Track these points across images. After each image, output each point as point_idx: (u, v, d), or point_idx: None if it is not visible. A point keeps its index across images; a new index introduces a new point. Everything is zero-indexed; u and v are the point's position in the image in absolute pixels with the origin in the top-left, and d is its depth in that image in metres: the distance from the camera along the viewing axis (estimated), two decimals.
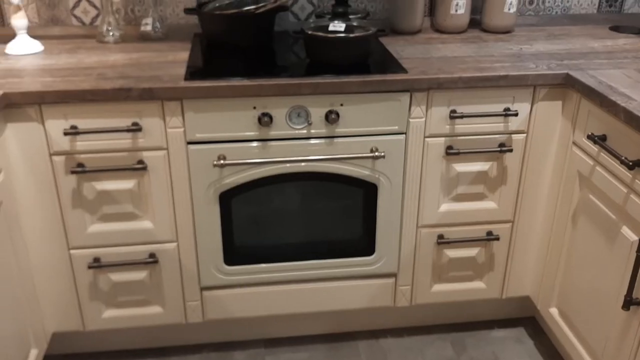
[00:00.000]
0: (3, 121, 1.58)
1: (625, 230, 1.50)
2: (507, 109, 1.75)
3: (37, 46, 1.88)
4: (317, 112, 1.70)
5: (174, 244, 1.80)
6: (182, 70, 1.71)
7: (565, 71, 1.71)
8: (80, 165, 1.66)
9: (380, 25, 1.83)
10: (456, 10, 2.08)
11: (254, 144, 1.72)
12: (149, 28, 2.01)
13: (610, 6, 2.37)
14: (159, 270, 1.82)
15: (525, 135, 1.80)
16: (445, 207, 1.87)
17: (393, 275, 1.94)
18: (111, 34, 1.97)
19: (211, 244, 1.82)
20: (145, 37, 2.02)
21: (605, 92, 1.55)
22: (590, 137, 1.60)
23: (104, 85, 1.59)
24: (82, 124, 1.62)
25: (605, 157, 1.56)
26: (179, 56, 1.84)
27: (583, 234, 1.70)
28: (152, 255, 1.80)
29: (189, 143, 1.69)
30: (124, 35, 2.00)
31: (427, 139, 1.77)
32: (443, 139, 1.77)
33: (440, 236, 1.89)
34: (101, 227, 1.75)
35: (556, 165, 1.82)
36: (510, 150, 1.79)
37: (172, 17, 2.18)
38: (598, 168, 1.60)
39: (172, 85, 1.61)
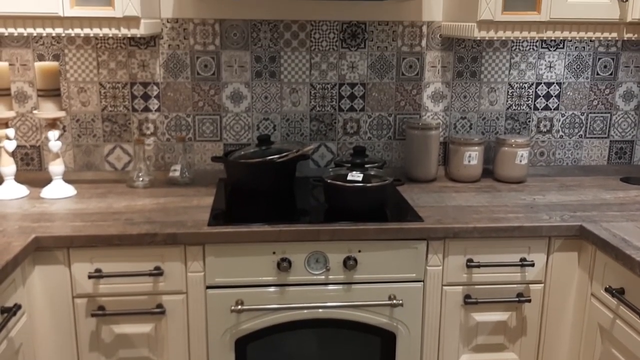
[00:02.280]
0: (32, 264, 1.63)
1: None
2: (524, 259, 1.77)
3: (70, 190, 1.98)
4: (336, 258, 1.74)
5: None
6: (205, 215, 1.78)
7: (579, 223, 1.75)
8: (100, 308, 1.68)
9: (396, 173, 1.92)
10: (469, 161, 2.17)
11: (272, 289, 1.74)
12: (177, 174, 2.12)
13: (619, 158, 2.46)
14: None
15: (542, 285, 1.80)
16: (465, 357, 1.83)
17: None
18: (141, 179, 2.08)
19: None
20: (172, 182, 2.13)
21: (619, 245, 1.57)
22: (608, 290, 1.60)
23: (131, 230, 1.65)
24: (107, 267, 1.67)
25: (625, 310, 1.55)
26: (204, 201, 1.93)
27: None
28: None
29: (208, 287, 1.72)
30: (153, 181, 2.11)
31: (444, 287, 1.78)
32: (461, 287, 1.78)
33: None
34: None
35: (576, 317, 1.80)
36: (529, 301, 1.78)
37: (199, 164, 2.30)
38: (618, 321, 1.58)
39: (195, 230, 1.67)
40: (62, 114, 1.95)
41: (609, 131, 2.43)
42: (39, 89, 1.92)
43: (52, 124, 1.95)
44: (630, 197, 2.04)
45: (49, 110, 1.93)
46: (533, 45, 2.31)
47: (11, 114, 1.94)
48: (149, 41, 2.19)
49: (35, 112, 1.95)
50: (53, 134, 1.94)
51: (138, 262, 1.68)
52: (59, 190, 1.96)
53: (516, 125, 2.39)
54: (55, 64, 1.93)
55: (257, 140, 2.10)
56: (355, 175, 1.85)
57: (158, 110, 2.25)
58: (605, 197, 2.03)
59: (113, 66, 2.20)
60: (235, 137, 2.30)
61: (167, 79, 2.23)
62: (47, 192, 1.96)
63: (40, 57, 2.16)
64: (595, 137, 2.43)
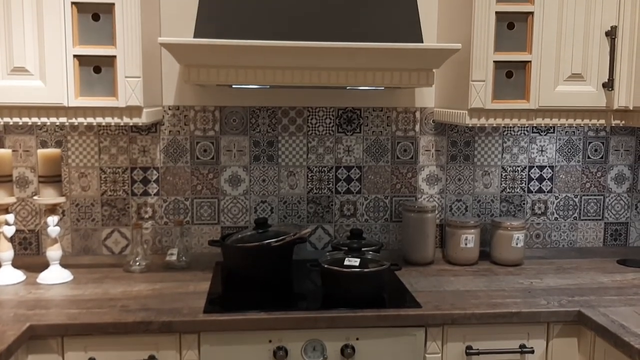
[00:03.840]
0: (25, 353, 1.61)
1: None
2: (523, 346, 1.75)
3: (67, 275, 1.98)
4: (333, 346, 1.72)
5: None
6: (201, 302, 1.77)
7: (577, 308, 1.74)
8: None
9: (393, 256, 1.93)
10: (466, 244, 2.18)
11: None
12: (173, 258, 2.12)
13: (615, 240, 2.48)
14: None
15: None
16: None
17: None
18: (137, 264, 2.08)
19: None
20: (169, 266, 2.12)
21: (618, 332, 1.56)
22: None
23: (126, 318, 1.64)
24: (101, 356, 1.64)
25: None
26: (200, 286, 1.92)
27: None
28: None
29: None
30: (149, 265, 2.11)
31: None
32: None
33: None
34: None
35: None
36: None
37: (196, 247, 2.31)
38: None
39: (190, 318, 1.66)
40: (62, 199, 1.98)
41: (603, 213, 2.46)
42: (40, 175, 1.95)
43: (52, 209, 1.97)
44: (628, 280, 2.03)
45: (49, 196, 1.95)
46: (524, 130, 2.38)
47: (12, 199, 1.97)
48: (150, 127, 2.25)
49: (35, 197, 1.98)
50: (52, 220, 1.95)
51: (132, 351, 1.65)
52: (55, 276, 1.96)
53: (511, 208, 2.41)
54: (57, 151, 1.98)
55: (255, 224, 2.11)
56: (352, 260, 1.85)
57: (157, 194, 2.28)
58: (603, 280, 2.03)
59: (114, 151, 2.24)
60: (232, 220, 2.32)
61: (167, 163, 2.27)
62: (43, 277, 1.95)
63: (43, 144, 2.21)
64: (589, 219, 2.46)
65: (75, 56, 1.81)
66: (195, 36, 1.76)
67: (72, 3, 1.79)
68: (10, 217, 1.95)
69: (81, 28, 1.81)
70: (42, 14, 1.78)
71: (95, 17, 1.81)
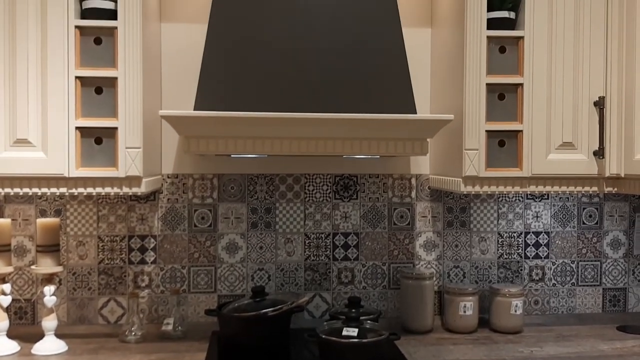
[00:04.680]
0: None
1: None
2: None
3: (62, 346, 1.95)
4: None
5: None
6: None
7: None
8: None
9: (392, 325, 1.91)
10: (464, 312, 2.17)
11: None
12: (169, 328, 2.10)
13: (614, 306, 2.46)
14: None
15: None
16: None
17: None
18: (133, 333, 2.05)
19: None
20: (165, 336, 2.10)
21: None
22: None
23: None
24: None
25: None
26: (196, 357, 1.89)
27: None
28: None
29: None
30: (145, 335, 2.08)
31: None
32: None
33: None
34: None
35: None
36: None
37: (192, 316, 2.29)
38: None
39: None
40: (59, 269, 1.98)
41: (600, 279, 2.45)
42: (39, 245, 1.96)
43: (49, 278, 1.97)
44: (628, 347, 2.01)
45: (46, 265, 1.95)
46: (519, 197, 2.41)
47: (9, 269, 1.96)
48: (149, 195, 2.27)
49: (33, 267, 1.98)
50: (49, 289, 1.95)
51: None
52: (50, 347, 1.93)
53: (509, 274, 2.41)
54: (56, 220, 1.99)
55: (252, 292, 2.10)
56: (350, 330, 1.84)
57: (154, 262, 2.28)
58: (603, 348, 2.01)
59: (112, 220, 2.26)
60: (229, 288, 2.31)
61: (165, 231, 2.28)
62: (38, 348, 1.93)
63: (42, 212, 2.23)
64: (587, 285, 2.45)
65: (77, 128, 1.85)
66: (195, 108, 1.80)
67: (77, 77, 1.85)
68: (7, 287, 1.95)
69: (84, 101, 1.86)
70: (46, 87, 1.84)
71: (98, 90, 1.87)
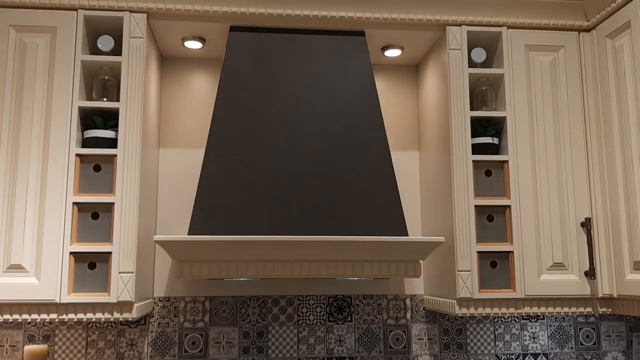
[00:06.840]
0: None
1: None
2: None
3: None
4: None
5: None
6: None
7: None
8: None
9: None
10: None
11: None
12: None
13: None
14: None
15: None
16: None
17: None
18: None
19: None
20: None
21: None
22: None
23: None
24: None
25: None
26: None
27: None
28: None
29: None
30: None
31: None
32: None
33: None
34: None
35: None
36: None
37: None
38: None
39: None
40: None
41: None
42: None
43: None
44: None
45: None
46: (514, 317, 2.38)
47: None
48: (140, 320, 2.24)
49: None
50: None
51: None
52: None
53: None
54: (44, 347, 1.95)
55: None
56: None
57: None
58: None
59: (101, 345, 2.20)
60: None
61: (154, 357, 2.22)
62: None
63: (31, 338, 2.18)
64: None
65: (72, 253, 1.86)
66: (190, 232, 1.83)
67: (74, 203, 1.89)
68: None
69: (80, 226, 1.89)
70: (43, 213, 1.87)
71: (95, 216, 1.90)
